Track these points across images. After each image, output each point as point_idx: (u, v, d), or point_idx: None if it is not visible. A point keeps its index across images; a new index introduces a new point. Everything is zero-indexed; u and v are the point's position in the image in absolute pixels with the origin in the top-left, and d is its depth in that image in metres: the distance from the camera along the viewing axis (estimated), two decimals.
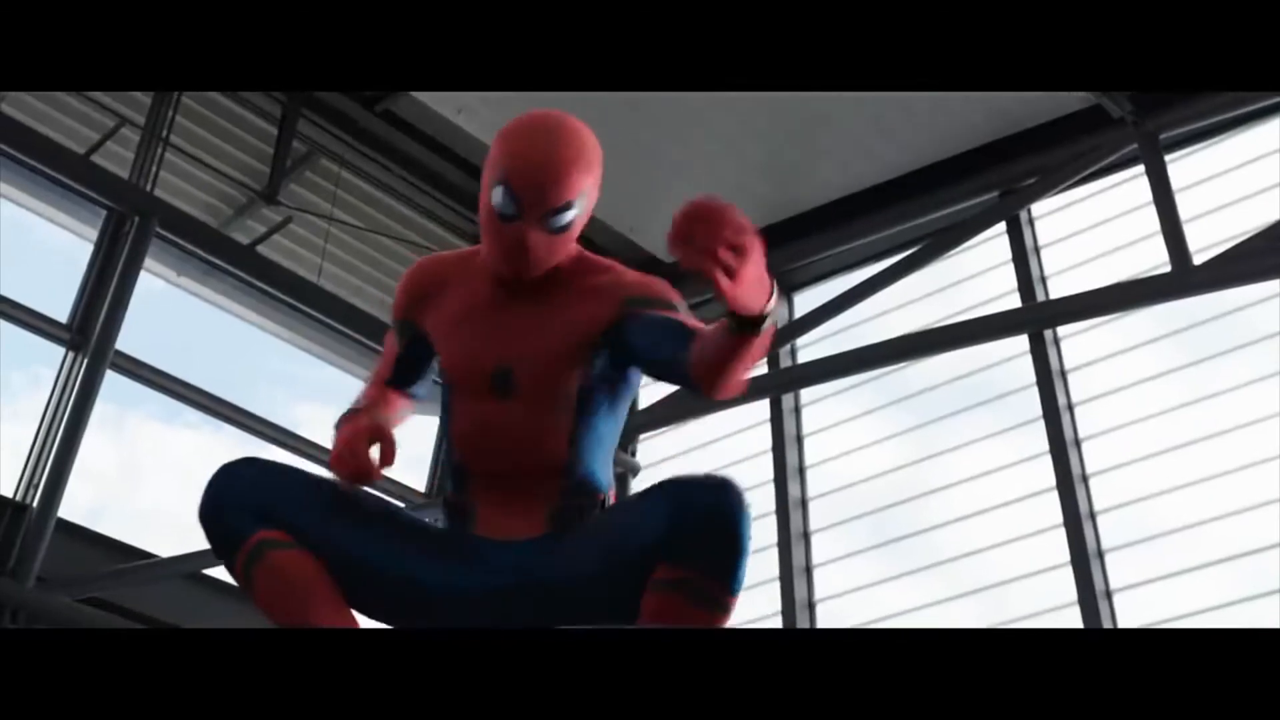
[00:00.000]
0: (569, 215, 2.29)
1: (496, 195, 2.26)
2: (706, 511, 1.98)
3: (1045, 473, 6.77)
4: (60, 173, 6.82)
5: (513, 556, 2.25)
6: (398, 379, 2.56)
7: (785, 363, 8.17)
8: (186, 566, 6.47)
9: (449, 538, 2.33)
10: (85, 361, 6.43)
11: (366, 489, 2.35)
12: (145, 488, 7.80)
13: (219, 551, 2.26)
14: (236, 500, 2.23)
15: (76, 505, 6.32)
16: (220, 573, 6.64)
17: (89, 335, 6.51)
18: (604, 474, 2.35)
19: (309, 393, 8.61)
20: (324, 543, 2.23)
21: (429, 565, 2.25)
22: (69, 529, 6.23)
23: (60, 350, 6.57)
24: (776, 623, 7.41)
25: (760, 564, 7.64)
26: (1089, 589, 6.34)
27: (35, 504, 6.07)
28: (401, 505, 7.29)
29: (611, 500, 2.37)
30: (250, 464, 2.29)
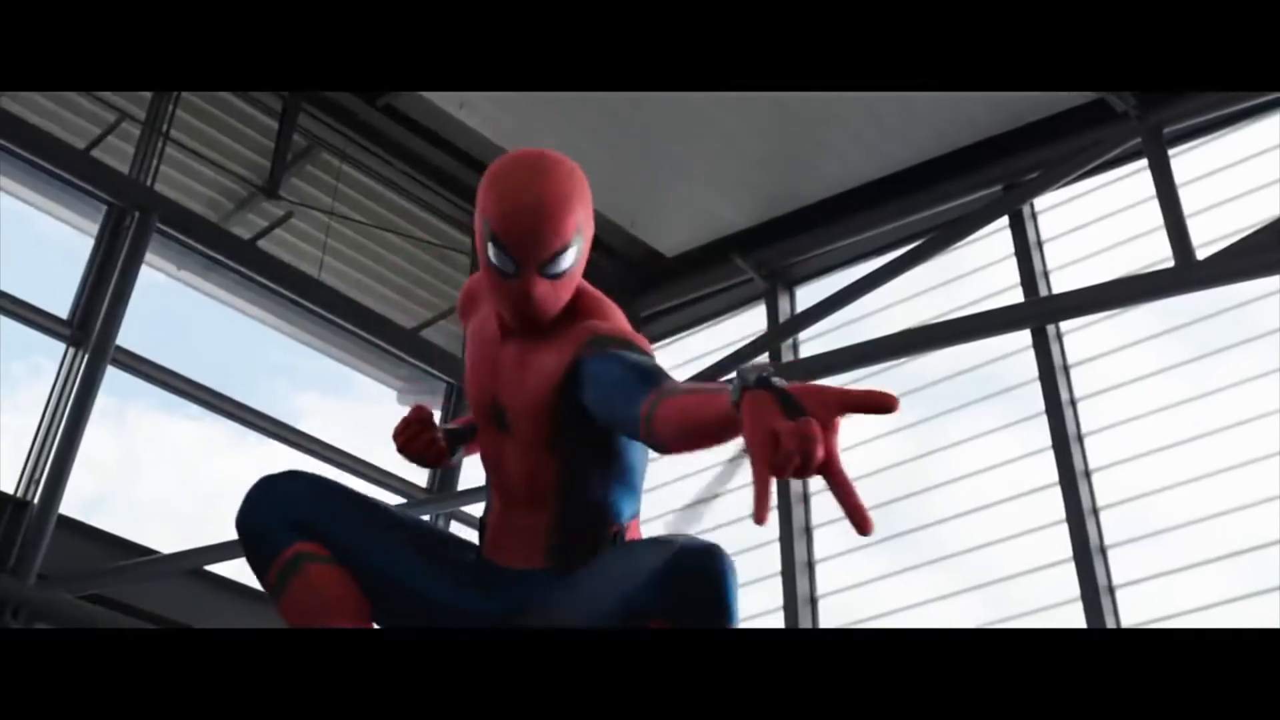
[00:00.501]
0: (567, 260, 2.23)
1: (491, 252, 2.21)
2: (693, 576, 1.96)
3: (1048, 468, 6.75)
4: (60, 168, 6.80)
5: (512, 587, 2.26)
6: None
7: (787, 357, 8.15)
8: (188, 563, 6.47)
9: (469, 560, 2.34)
10: (86, 358, 6.42)
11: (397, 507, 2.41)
12: (146, 479, 7.80)
13: (254, 560, 2.27)
14: (276, 511, 2.24)
15: (77, 497, 6.33)
16: (221, 569, 6.64)
17: (89, 331, 6.50)
18: (617, 506, 2.31)
19: (310, 383, 8.61)
20: (358, 558, 2.24)
21: (450, 587, 2.27)
22: (70, 525, 6.23)
23: (61, 346, 6.56)
24: (778, 618, 7.41)
25: (762, 559, 7.63)
26: (1091, 584, 6.33)
27: (36, 501, 6.06)
28: (404, 501, 7.30)
29: (631, 531, 2.34)
30: (292, 477, 2.30)
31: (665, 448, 1.97)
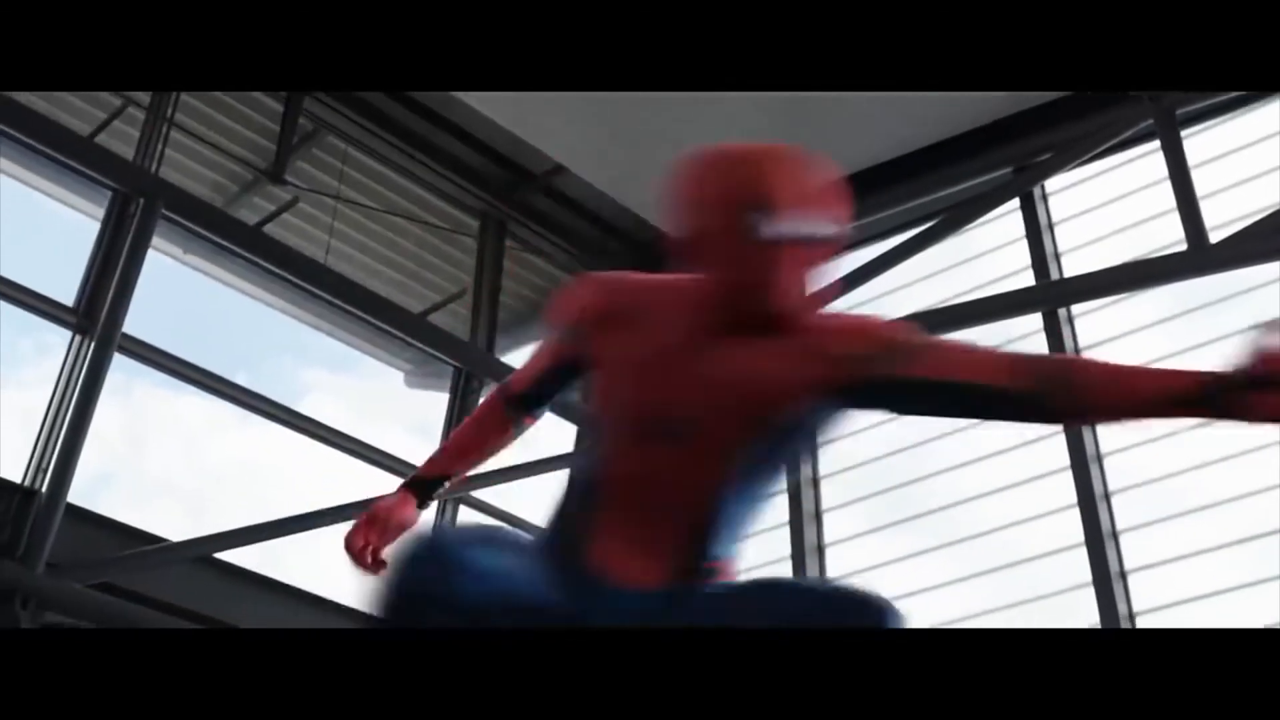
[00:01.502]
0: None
1: (772, 223, 2.06)
2: None
3: (1059, 452, 6.73)
4: (65, 154, 6.76)
5: (632, 605, 2.13)
6: (534, 396, 2.45)
7: None
8: (197, 550, 6.47)
9: (571, 576, 2.19)
10: (92, 346, 6.40)
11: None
12: (151, 456, 7.79)
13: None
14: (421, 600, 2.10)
15: (83, 474, 6.29)
16: (230, 556, 6.64)
17: (95, 319, 6.48)
18: (738, 539, 2.22)
19: (317, 366, 8.59)
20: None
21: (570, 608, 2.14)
22: (77, 513, 6.21)
23: (67, 333, 6.54)
24: None
25: (772, 544, 7.62)
26: (1104, 569, 6.32)
27: (44, 490, 6.05)
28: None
29: (728, 565, 2.24)
30: (425, 564, 2.14)
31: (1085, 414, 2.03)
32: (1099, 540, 6.39)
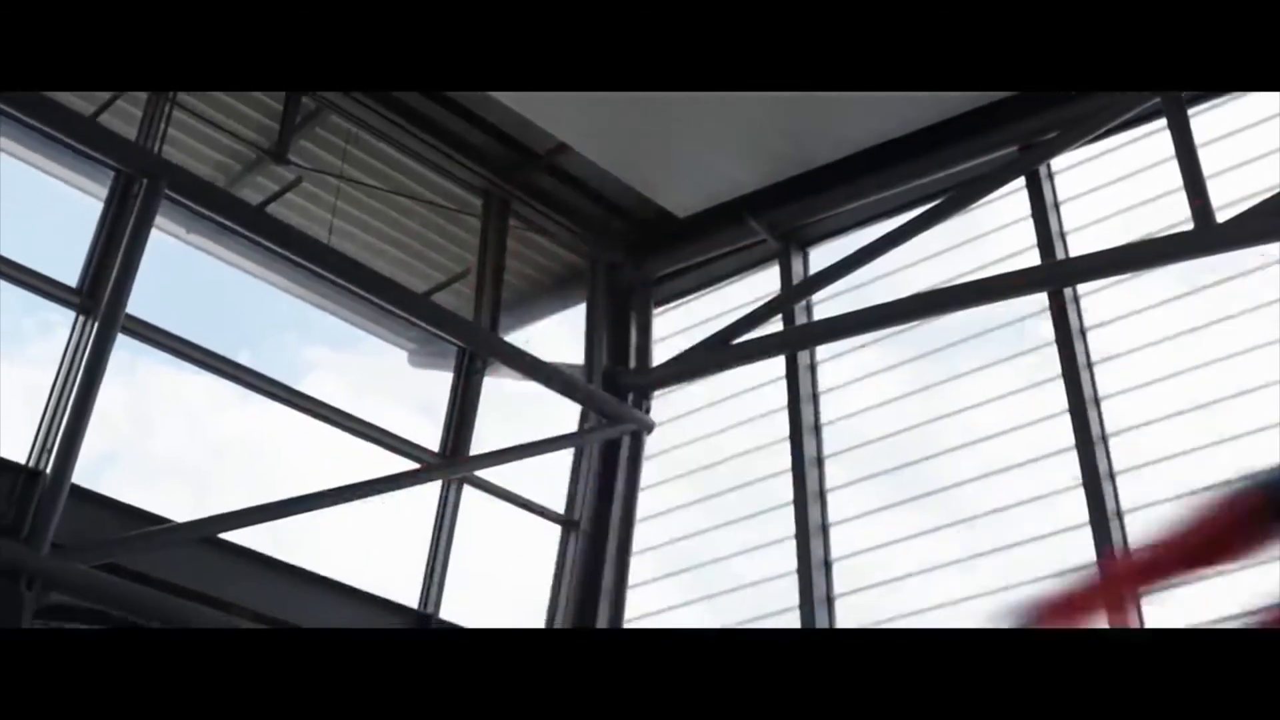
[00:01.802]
0: None
1: None
2: None
3: (1065, 432, 6.71)
4: (67, 135, 6.73)
5: None
6: None
7: (800, 319, 8.11)
8: (201, 531, 6.47)
9: None
10: (96, 326, 6.38)
11: None
12: (156, 434, 7.78)
13: None
14: None
15: (87, 454, 6.28)
16: (234, 536, 6.64)
17: (99, 299, 6.46)
18: None
19: (320, 338, 8.57)
20: None
21: None
22: (82, 494, 6.20)
23: (71, 314, 6.52)
24: (792, 581, 7.40)
25: (776, 522, 7.62)
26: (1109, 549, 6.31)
27: (48, 471, 6.04)
28: (415, 467, 7.24)
29: None
30: None
31: None
32: (1104, 520, 6.39)
